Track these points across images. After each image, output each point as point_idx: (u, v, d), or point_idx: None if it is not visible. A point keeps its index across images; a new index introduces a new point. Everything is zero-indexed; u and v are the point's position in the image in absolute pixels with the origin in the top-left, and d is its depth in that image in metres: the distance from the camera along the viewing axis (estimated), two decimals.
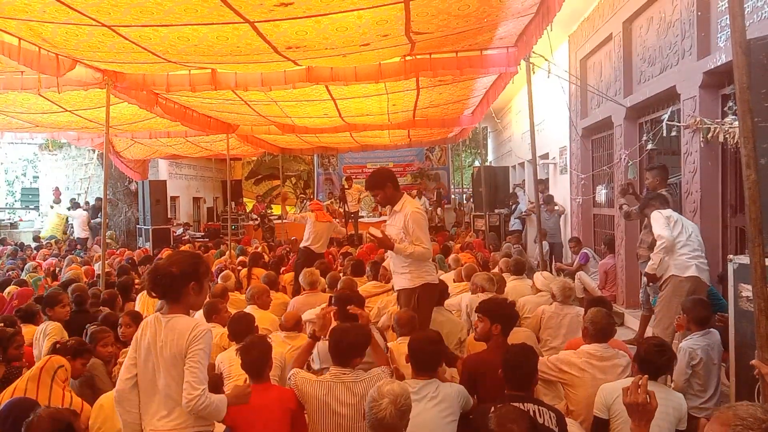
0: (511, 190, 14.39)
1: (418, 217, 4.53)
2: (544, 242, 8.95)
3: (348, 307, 4.11)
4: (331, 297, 4.59)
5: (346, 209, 14.52)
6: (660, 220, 5.16)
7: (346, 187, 15.06)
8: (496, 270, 7.62)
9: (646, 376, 2.60)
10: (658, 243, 5.10)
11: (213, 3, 4.14)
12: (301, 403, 3.30)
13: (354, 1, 4.28)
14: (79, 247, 13.65)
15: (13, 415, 2.94)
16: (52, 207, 15.99)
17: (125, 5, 4.21)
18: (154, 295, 2.66)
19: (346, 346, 3.32)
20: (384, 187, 4.66)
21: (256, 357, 3.38)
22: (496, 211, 13.81)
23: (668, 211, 5.25)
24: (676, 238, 5.08)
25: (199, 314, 5.47)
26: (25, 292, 6.48)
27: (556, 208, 10.54)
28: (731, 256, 3.63)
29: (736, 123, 4.74)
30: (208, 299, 5.37)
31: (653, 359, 3.20)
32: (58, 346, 3.91)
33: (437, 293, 4.86)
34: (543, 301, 5.55)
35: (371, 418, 2.55)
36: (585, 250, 8.79)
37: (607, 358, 3.64)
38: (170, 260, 2.65)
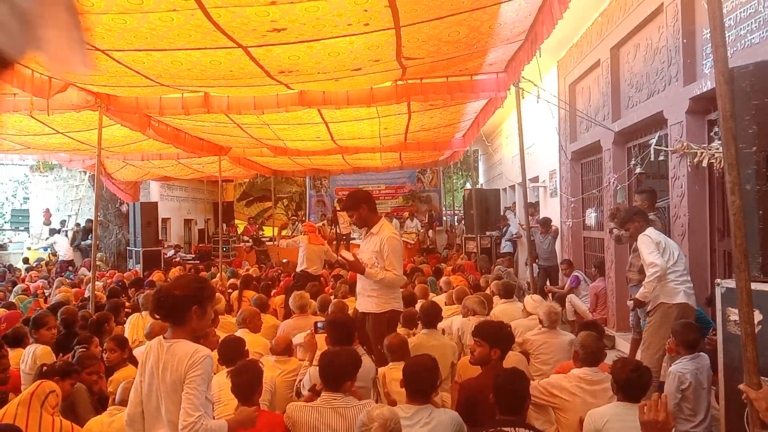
0: (501, 213, 14.45)
1: (394, 243, 4.59)
2: (535, 265, 8.86)
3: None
4: (316, 323, 4.58)
5: (338, 231, 14.52)
6: (650, 246, 5.11)
7: (338, 209, 15.10)
8: (487, 292, 7.64)
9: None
10: (651, 271, 5.02)
11: (206, 28, 4.20)
12: (291, 431, 3.27)
13: (346, 27, 4.35)
14: (70, 269, 13.55)
15: None
16: (59, 231, 15.91)
17: (119, 30, 4.25)
18: (157, 317, 2.66)
19: (336, 370, 3.31)
20: (358, 208, 4.72)
21: (247, 381, 3.37)
22: (488, 233, 13.85)
23: (655, 233, 5.23)
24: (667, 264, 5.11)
25: None
26: (14, 315, 6.43)
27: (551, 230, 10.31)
28: (719, 280, 3.66)
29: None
30: None
31: (633, 383, 3.21)
32: (45, 368, 3.87)
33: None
34: (533, 324, 5.54)
35: None
36: (576, 273, 8.82)
37: (598, 381, 3.64)
38: (174, 283, 2.68)
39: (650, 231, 5.25)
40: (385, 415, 2.58)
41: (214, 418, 2.80)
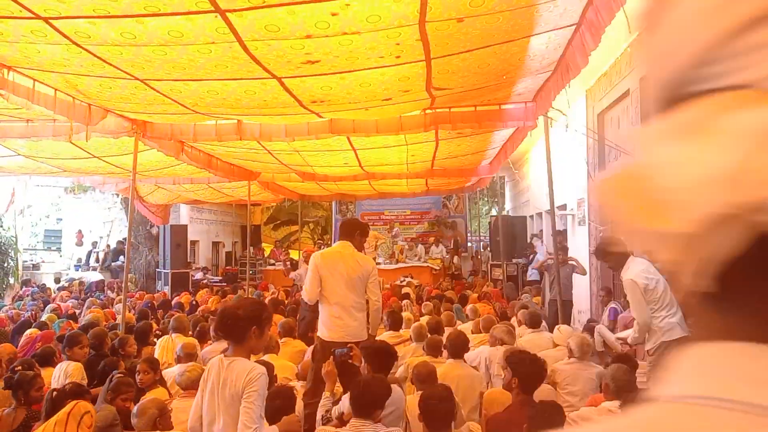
0: (528, 240, 14.36)
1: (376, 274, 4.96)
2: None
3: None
4: (334, 350, 4.52)
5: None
6: (636, 295, 4.87)
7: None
8: (513, 320, 7.59)
9: None
10: (636, 327, 4.97)
11: (243, 60, 4.32)
12: None
13: (378, 60, 4.44)
14: (97, 290, 13.79)
15: None
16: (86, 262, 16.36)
17: (159, 61, 4.40)
18: (220, 334, 2.91)
19: (368, 399, 3.33)
20: (353, 235, 4.92)
21: (279, 406, 3.41)
22: (514, 260, 13.77)
23: (641, 275, 4.89)
24: (655, 307, 4.90)
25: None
26: (48, 335, 6.57)
27: (571, 262, 9.70)
28: None
29: None
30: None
31: None
32: (55, 393, 3.88)
33: None
34: (560, 356, 5.49)
35: None
36: (613, 305, 8.65)
37: None
38: (237, 304, 3.00)
39: (637, 273, 4.92)
40: None
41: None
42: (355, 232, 4.96)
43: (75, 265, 17.11)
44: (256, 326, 2.88)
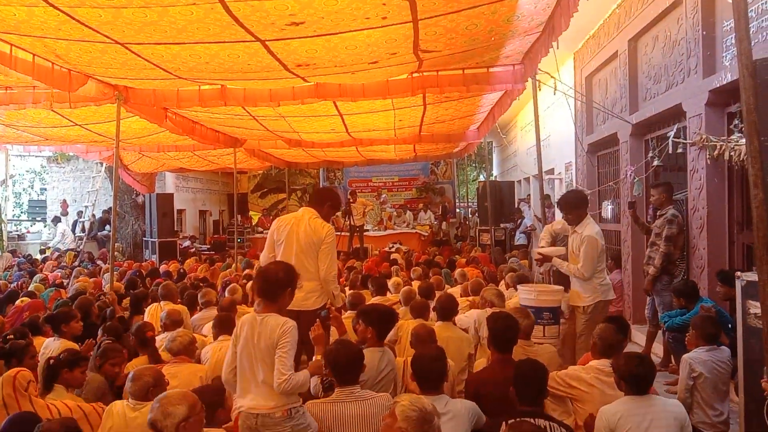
0: (516, 205, 14.42)
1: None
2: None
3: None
4: (319, 313, 4.49)
5: (352, 223, 14.54)
6: (595, 252, 5.10)
7: (351, 201, 15.11)
8: (501, 284, 7.64)
9: None
10: (578, 274, 5.11)
11: (225, 22, 4.22)
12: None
13: (364, 21, 4.35)
14: (87, 258, 13.70)
15: (17, 429, 2.95)
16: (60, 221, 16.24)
17: (139, 23, 4.29)
18: (260, 295, 3.25)
19: (346, 364, 3.33)
20: (321, 204, 4.76)
21: None
22: (502, 225, 13.83)
23: (600, 234, 5.21)
24: (599, 267, 5.18)
25: (210, 326, 5.52)
26: (37, 304, 6.53)
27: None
28: (739, 273, 3.65)
29: (742, 141, 4.80)
30: (220, 313, 5.42)
31: (641, 377, 3.20)
32: (52, 361, 3.87)
33: None
34: None
35: None
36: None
37: None
38: (277, 268, 3.36)
39: (598, 231, 5.21)
40: (434, 407, 2.60)
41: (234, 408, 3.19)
42: (325, 202, 4.77)
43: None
44: (290, 288, 3.31)
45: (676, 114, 6.33)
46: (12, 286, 9.59)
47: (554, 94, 8.14)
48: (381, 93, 6.60)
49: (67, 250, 14.71)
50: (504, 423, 2.91)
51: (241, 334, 3.20)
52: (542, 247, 5.53)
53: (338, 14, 4.17)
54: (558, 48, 5.49)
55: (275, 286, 3.25)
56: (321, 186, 20.83)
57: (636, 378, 3.18)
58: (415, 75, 6.45)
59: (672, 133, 6.28)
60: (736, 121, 5.20)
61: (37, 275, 10.08)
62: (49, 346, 4.87)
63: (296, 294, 4.27)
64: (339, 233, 13.48)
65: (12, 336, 4.56)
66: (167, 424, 2.62)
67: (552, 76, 7.41)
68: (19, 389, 3.47)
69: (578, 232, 5.22)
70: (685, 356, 4.14)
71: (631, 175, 7.36)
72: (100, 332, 5.20)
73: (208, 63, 5.35)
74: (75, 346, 4.84)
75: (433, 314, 5.35)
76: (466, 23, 4.66)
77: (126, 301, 7.46)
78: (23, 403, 3.43)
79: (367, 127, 9.67)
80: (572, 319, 5.33)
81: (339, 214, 16.35)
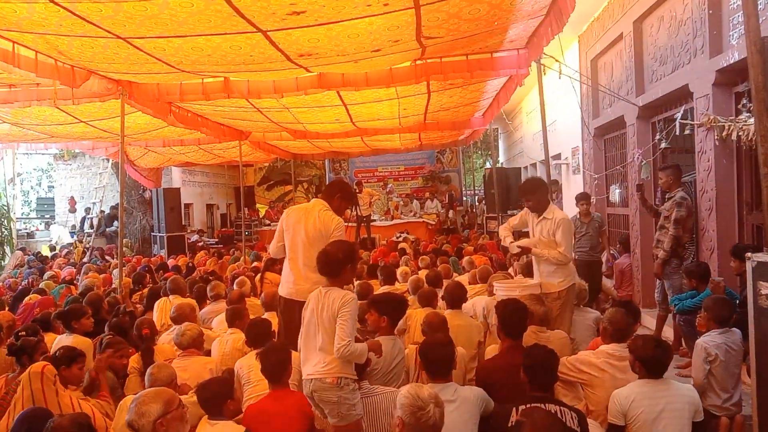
0: None
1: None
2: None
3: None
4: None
5: (359, 213, 14.53)
6: (570, 233, 5.01)
7: (357, 191, 15.11)
8: (510, 271, 7.61)
9: None
10: (561, 256, 4.89)
11: (226, 13, 4.20)
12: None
13: (365, 8, 4.32)
14: (97, 254, 13.78)
15: (28, 425, 2.97)
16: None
17: (140, 17, 4.27)
18: (323, 273, 3.47)
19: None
20: (332, 196, 4.66)
21: (275, 363, 3.42)
22: (509, 212, 13.78)
23: (568, 217, 5.16)
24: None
25: (219, 319, 5.54)
26: (47, 301, 6.57)
27: (594, 214, 7.87)
28: (749, 254, 3.61)
29: (750, 120, 4.74)
30: (230, 306, 5.44)
31: (658, 359, 3.19)
32: (50, 359, 3.90)
33: None
34: None
35: (420, 425, 2.45)
36: (612, 251, 8.67)
37: (626, 357, 3.62)
38: (336, 248, 3.53)
39: (566, 213, 5.15)
40: (434, 394, 2.57)
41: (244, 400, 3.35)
42: (336, 194, 4.67)
43: (70, 232, 17.06)
44: (351, 264, 3.52)
45: (683, 95, 6.26)
46: (23, 283, 9.68)
47: (559, 78, 8.07)
48: (384, 81, 6.56)
49: (71, 245, 14.83)
50: (515, 409, 2.91)
51: (308, 306, 3.49)
52: (510, 243, 5.34)
53: (339, 2, 4.14)
54: (562, 32, 5.43)
55: (336, 264, 3.44)
56: (331, 178, 20.81)
57: (653, 360, 3.17)
58: (418, 62, 6.41)
59: (679, 115, 6.22)
60: (744, 101, 5.14)
61: (47, 272, 10.16)
62: (61, 342, 4.90)
63: (303, 285, 4.32)
64: (346, 224, 13.47)
65: (24, 333, 4.59)
66: (143, 423, 2.61)
67: (557, 60, 7.35)
68: (47, 383, 3.51)
69: (548, 218, 5.01)
70: (699, 341, 4.11)
71: (638, 158, 7.30)
72: (106, 328, 5.22)
73: (211, 55, 5.33)
74: (87, 342, 4.88)
75: (441, 303, 5.34)
76: (469, 8, 4.61)
77: (136, 296, 7.50)
78: (50, 396, 3.47)
79: (371, 117, 9.63)
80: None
81: None
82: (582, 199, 7.78)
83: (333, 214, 4.55)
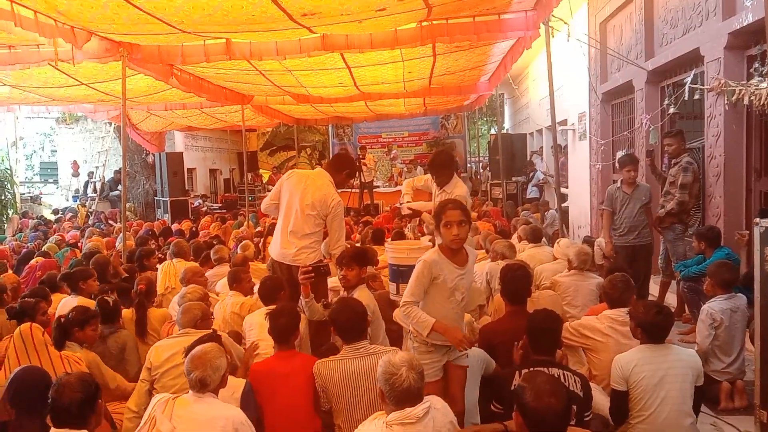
0: (528, 158, 14.25)
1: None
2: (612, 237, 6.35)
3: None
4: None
5: (362, 179, 14.46)
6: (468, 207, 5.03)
7: (361, 156, 15.02)
8: (514, 237, 7.60)
9: None
10: None
11: None
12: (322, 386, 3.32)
13: None
14: (101, 218, 13.80)
15: (26, 384, 2.97)
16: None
17: None
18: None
19: (349, 322, 3.36)
20: (339, 171, 4.67)
21: (284, 324, 3.43)
22: (513, 179, 13.72)
23: (468, 192, 5.26)
24: None
25: (223, 282, 5.55)
26: (50, 264, 6.59)
27: (641, 184, 6.24)
28: (757, 219, 3.57)
29: (763, 85, 4.64)
30: (233, 268, 5.44)
31: (659, 324, 3.18)
32: (63, 320, 3.91)
33: None
34: (560, 268, 5.51)
35: (395, 390, 2.47)
36: None
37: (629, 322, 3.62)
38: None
39: (466, 189, 5.15)
40: (407, 357, 2.57)
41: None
42: (344, 169, 4.69)
43: (73, 197, 17.07)
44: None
45: (693, 59, 6.14)
46: (29, 245, 9.70)
47: (568, 41, 7.92)
48: (389, 43, 6.43)
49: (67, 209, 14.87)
50: (518, 372, 2.92)
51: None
52: (405, 203, 5.35)
53: None
54: None
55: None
56: (335, 144, 20.68)
57: (654, 326, 3.16)
58: (424, 24, 6.27)
59: (689, 79, 6.11)
60: (756, 65, 5.03)
61: (53, 236, 10.17)
62: (67, 304, 4.91)
63: (288, 250, 4.42)
64: (349, 190, 13.47)
65: (30, 296, 4.60)
66: (216, 378, 2.76)
67: (565, 23, 7.20)
68: (37, 343, 3.52)
69: (447, 191, 4.99)
70: (704, 306, 4.11)
71: (646, 123, 7.20)
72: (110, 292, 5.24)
73: (212, 15, 5.21)
74: (91, 303, 4.89)
75: None
76: None
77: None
78: (42, 355, 3.49)
79: (375, 80, 9.50)
80: None
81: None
82: (628, 163, 6.11)
83: (334, 191, 4.55)
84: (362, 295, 4.05)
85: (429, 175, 5.33)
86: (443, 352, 3.25)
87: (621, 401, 3.15)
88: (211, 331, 3.56)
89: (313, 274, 4.16)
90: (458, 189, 5.00)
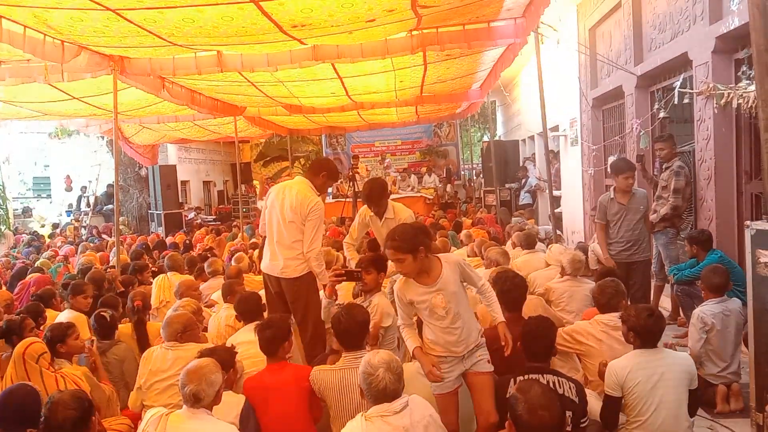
0: (521, 164, 14.29)
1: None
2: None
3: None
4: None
5: (356, 189, 14.45)
6: None
7: (354, 165, 15.02)
8: (508, 244, 7.61)
9: None
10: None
11: None
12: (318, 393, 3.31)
13: None
14: (95, 233, 13.76)
15: (14, 402, 2.91)
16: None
17: None
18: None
19: (353, 330, 3.35)
20: (317, 174, 4.60)
21: (271, 336, 3.40)
22: (507, 185, 13.74)
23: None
24: None
25: (217, 295, 5.53)
26: (43, 279, 6.55)
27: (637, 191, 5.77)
28: (748, 222, 3.58)
29: (750, 88, 4.68)
30: (227, 281, 5.43)
31: (651, 328, 3.18)
32: (50, 334, 3.89)
33: None
34: (553, 274, 5.52)
35: (372, 391, 2.58)
36: None
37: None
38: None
39: (406, 211, 5.11)
40: (385, 358, 2.63)
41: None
42: (321, 172, 4.61)
43: (66, 211, 17.01)
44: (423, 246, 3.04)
45: (682, 63, 6.19)
46: (24, 261, 9.66)
47: (557, 47, 7.97)
48: (380, 52, 6.45)
49: (67, 224, 14.79)
50: (513, 380, 2.91)
51: None
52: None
53: None
54: None
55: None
56: (328, 153, 20.67)
57: (646, 330, 3.16)
58: (414, 33, 6.30)
59: (678, 83, 6.15)
60: (743, 68, 5.07)
61: (46, 252, 10.13)
62: (61, 319, 4.89)
63: (276, 262, 4.40)
64: (343, 199, 13.47)
65: (25, 313, 4.57)
66: (210, 392, 2.75)
67: (555, 29, 7.24)
68: (29, 362, 3.49)
69: (389, 217, 4.97)
70: (696, 311, 4.11)
71: (637, 128, 7.24)
72: (99, 304, 5.21)
73: (202, 27, 5.23)
74: (83, 318, 4.88)
75: None
76: None
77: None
78: (33, 376, 3.45)
79: (367, 90, 9.53)
80: None
81: (342, 180, 16.29)
82: (626, 169, 5.60)
83: (313, 195, 4.49)
84: (381, 302, 4.05)
85: (360, 216, 5.24)
86: (454, 362, 3.15)
87: (614, 407, 3.14)
88: (229, 346, 3.62)
89: (345, 277, 4.26)
90: (399, 213, 4.99)
